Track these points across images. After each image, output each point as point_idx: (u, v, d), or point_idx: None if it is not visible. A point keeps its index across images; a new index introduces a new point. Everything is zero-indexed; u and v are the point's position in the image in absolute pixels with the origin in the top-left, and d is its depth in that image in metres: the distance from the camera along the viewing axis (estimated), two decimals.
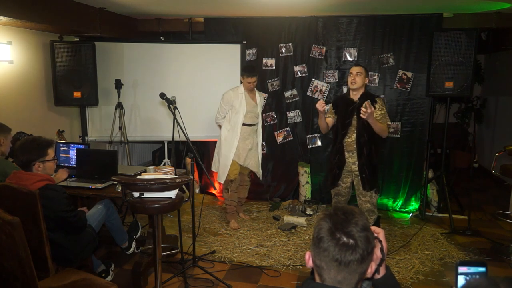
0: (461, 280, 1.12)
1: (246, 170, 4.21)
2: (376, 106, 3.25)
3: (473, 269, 1.12)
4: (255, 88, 4.05)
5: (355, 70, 3.35)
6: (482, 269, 1.12)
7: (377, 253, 1.19)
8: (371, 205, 3.39)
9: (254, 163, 4.16)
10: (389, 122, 3.36)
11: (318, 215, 1.31)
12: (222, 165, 4.08)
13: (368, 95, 3.34)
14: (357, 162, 3.33)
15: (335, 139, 3.48)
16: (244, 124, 4.00)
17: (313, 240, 1.13)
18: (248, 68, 3.99)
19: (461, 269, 1.12)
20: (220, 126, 4.21)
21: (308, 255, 1.17)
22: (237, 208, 4.34)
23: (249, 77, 3.90)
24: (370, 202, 3.38)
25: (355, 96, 3.36)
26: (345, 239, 1.07)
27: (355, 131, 3.31)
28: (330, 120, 3.50)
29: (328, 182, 3.60)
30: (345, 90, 4.61)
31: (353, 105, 3.33)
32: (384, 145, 4.02)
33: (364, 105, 3.08)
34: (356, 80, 3.31)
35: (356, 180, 3.38)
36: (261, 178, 4.42)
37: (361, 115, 3.09)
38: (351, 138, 3.34)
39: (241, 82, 4.03)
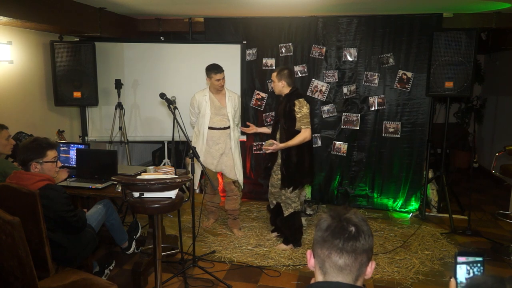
0: (459, 270, 1.16)
1: (229, 179, 3.88)
2: (295, 108, 3.37)
3: (471, 259, 1.16)
4: (226, 89, 3.81)
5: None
6: (479, 258, 1.17)
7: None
8: (286, 198, 3.55)
9: (228, 169, 3.84)
10: (304, 127, 3.37)
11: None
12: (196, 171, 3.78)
13: (290, 96, 3.45)
14: None
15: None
16: (211, 128, 3.75)
17: (315, 232, 1.19)
18: (214, 65, 3.65)
19: (460, 259, 1.16)
20: None
21: (309, 253, 1.20)
22: (229, 222, 4.05)
23: (217, 73, 3.60)
24: (285, 195, 3.54)
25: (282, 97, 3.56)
26: (345, 223, 1.14)
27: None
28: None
29: (263, 172, 3.95)
30: (345, 90, 4.62)
31: (279, 105, 3.59)
32: (309, 142, 3.58)
33: (264, 145, 3.45)
34: (273, 88, 3.61)
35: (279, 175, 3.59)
36: (241, 187, 4.02)
37: (266, 152, 3.46)
38: (279, 135, 3.56)
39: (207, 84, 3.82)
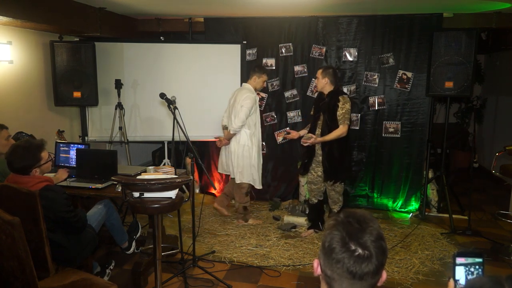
0: (458, 271, 1.12)
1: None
2: (339, 104, 3.54)
3: (470, 260, 1.12)
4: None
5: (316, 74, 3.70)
6: (479, 259, 1.13)
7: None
8: (335, 193, 3.73)
9: None
10: (342, 123, 3.52)
11: (328, 221, 1.27)
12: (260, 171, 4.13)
13: (334, 93, 3.61)
14: None
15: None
16: None
17: (324, 249, 1.06)
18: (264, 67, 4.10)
19: (459, 260, 1.12)
20: (228, 134, 4.03)
21: (316, 263, 1.11)
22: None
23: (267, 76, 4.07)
24: (335, 190, 3.72)
25: (326, 94, 3.67)
26: (360, 251, 1.01)
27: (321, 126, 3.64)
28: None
29: (300, 169, 3.98)
30: (345, 90, 4.62)
31: (322, 102, 3.67)
32: (348, 138, 3.72)
33: (303, 138, 3.54)
34: (316, 84, 3.72)
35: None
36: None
37: (304, 145, 3.54)
38: (319, 131, 3.64)
39: (245, 83, 4.10)
